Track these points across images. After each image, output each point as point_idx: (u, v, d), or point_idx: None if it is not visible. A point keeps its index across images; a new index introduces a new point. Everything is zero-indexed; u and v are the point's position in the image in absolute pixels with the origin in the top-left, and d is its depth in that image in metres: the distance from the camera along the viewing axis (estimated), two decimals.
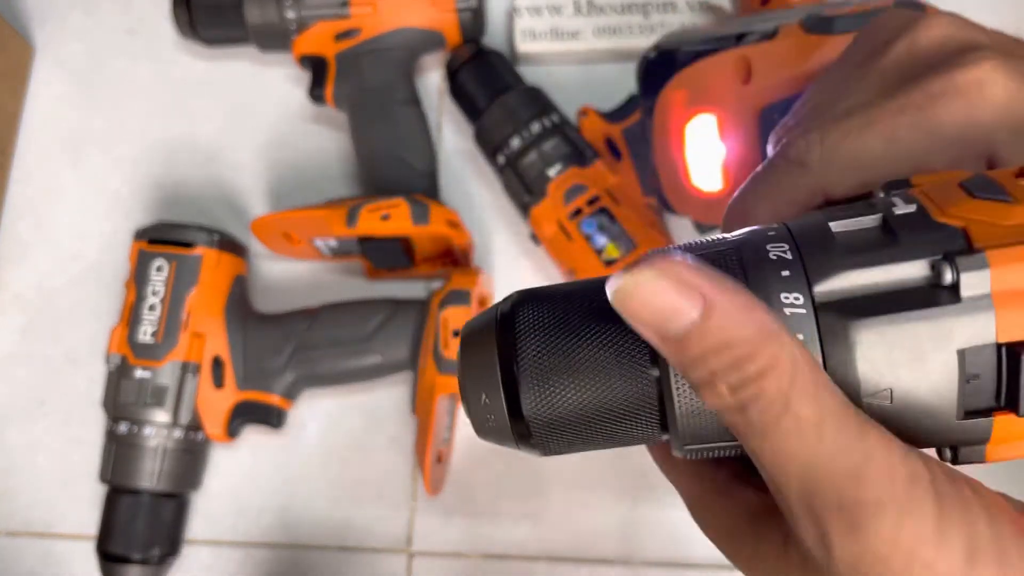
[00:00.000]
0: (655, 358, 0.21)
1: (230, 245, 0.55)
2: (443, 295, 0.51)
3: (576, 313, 0.22)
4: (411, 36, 0.57)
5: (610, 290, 0.18)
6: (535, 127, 0.54)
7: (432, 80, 0.62)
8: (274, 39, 0.57)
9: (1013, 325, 0.18)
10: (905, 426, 0.19)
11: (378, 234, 0.52)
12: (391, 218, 0.51)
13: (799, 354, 0.18)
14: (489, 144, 0.55)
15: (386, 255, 0.54)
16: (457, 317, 0.50)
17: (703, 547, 0.54)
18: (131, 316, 0.52)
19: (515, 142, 0.54)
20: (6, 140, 0.61)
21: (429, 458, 0.50)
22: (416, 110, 0.57)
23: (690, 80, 0.41)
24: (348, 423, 0.56)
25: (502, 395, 0.22)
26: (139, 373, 0.51)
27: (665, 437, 0.22)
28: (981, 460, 0.20)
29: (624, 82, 0.54)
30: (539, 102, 0.55)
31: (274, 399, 0.52)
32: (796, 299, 0.19)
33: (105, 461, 0.52)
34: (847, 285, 0.19)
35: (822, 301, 0.19)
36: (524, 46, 0.59)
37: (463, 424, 0.55)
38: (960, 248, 0.19)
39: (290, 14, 0.56)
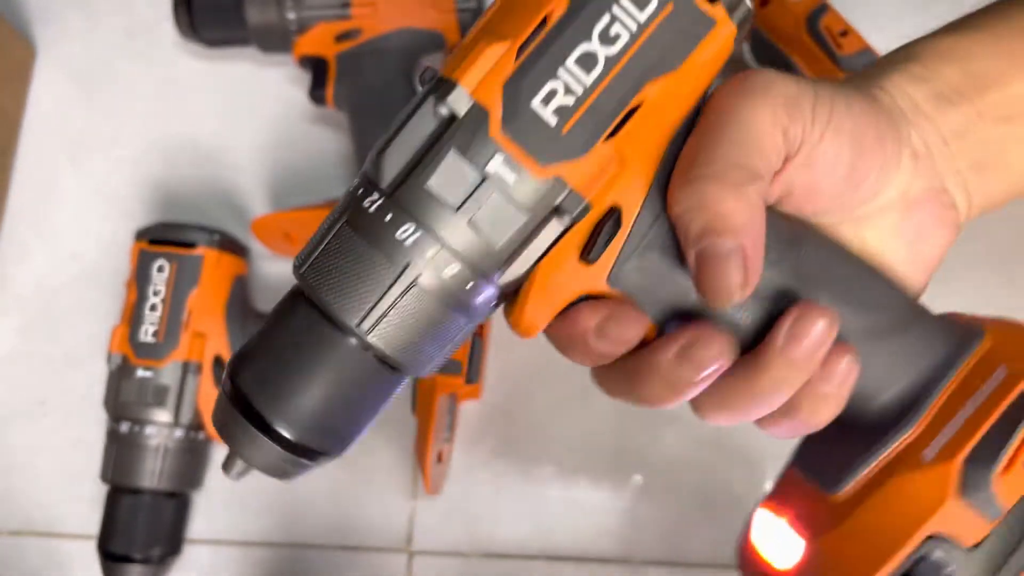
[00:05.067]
0: (337, 323, 0.23)
1: (231, 245, 0.55)
2: None
3: (271, 341, 0.25)
4: (412, 37, 0.57)
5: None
6: None
7: None
8: (275, 40, 0.58)
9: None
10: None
11: None
12: None
13: None
14: None
15: None
16: None
17: (703, 546, 0.54)
18: (132, 316, 0.52)
19: None
20: (7, 141, 0.61)
21: (429, 458, 0.50)
22: None
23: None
24: None
25: (264, 438, 0.24)
26: (140, 373, 0.51)
27: (397, 376, 0.25)
28: None
29: None
30: None
31: None
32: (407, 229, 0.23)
33: (106, 461, 0.52)
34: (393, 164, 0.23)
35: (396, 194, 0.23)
36: None
37: (463, 424, 0.56)
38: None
39: (291, 15, 0.56)
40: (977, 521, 0.25)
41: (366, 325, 0.23)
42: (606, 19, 0.22)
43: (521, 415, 0.56)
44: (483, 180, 0.22)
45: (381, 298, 0.23)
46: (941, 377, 0.27)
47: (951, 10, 0.28)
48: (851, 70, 0.54)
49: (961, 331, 0.28)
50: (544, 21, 0.22)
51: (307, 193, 0.60)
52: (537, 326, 0.25)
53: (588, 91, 0.22)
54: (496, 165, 0.22)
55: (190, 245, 0.53)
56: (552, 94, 0.22)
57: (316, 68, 0.57)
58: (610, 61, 0.22)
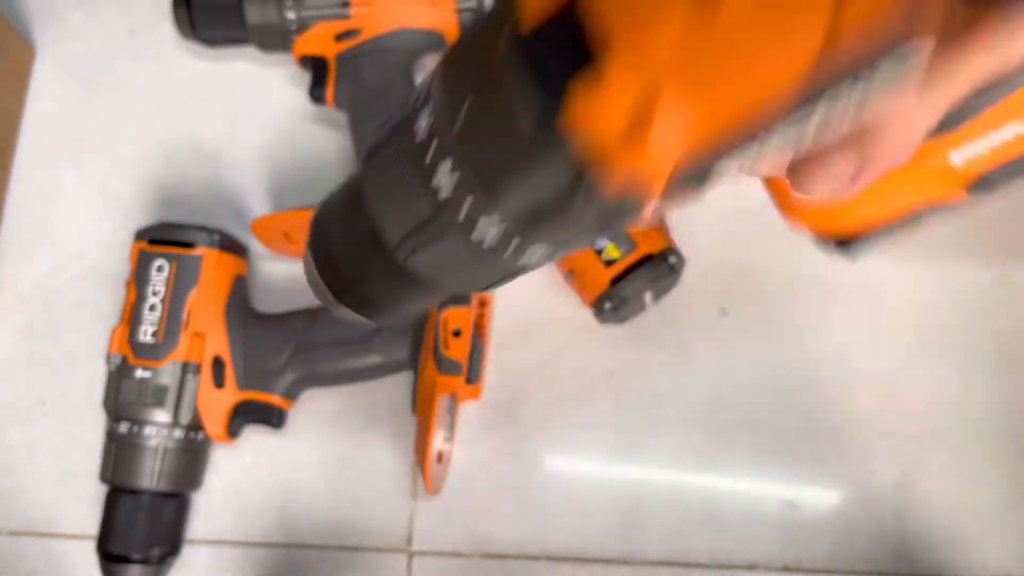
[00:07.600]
0: None
1: (230, 245, 0.55)
2: None
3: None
4: (411, 37, 0.57)
5: None
6: None
7: None
8: (274, 39, 0.58)
9: None
10: None
11: None
12: None
13: None
14: None
15: None
16: (457, 317, 0.51)
17: (703, 546, 0.54)
18: (132, 316, 0.52)
19: None
20: (7, 140, 0.61)
21: (429, 458, 0.50)
22: None
23: None
24: (348, 423, 0.56)
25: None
26: (140, 373, 0.51)
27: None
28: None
29: None
30: None
31: (275, 399, 0.52)
32: None
33: (105, 461, 0.52)
34: None
35: None
36: None
37: (463, 424, 0.56)
38: None
39: (290, 14, 0.56)
40: None
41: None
42: None
43: (521, 415, 0.56)
44: None
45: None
46: None
47: None
48: None
49: None
50: None
51: (307, 193, 0.60)
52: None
53: None
54: None
55: (190, 245, 0.53)
56: None
57: (316, 68, 0.57)
58: None
